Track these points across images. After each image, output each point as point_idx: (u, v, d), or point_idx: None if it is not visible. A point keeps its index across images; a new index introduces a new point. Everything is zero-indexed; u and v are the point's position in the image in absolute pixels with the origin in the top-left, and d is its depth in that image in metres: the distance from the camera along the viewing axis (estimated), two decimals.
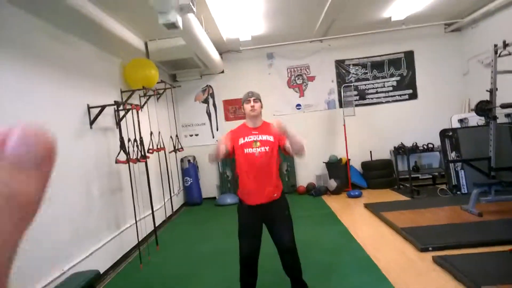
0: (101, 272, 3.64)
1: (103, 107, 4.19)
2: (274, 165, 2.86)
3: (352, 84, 7.66)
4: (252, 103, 2.87)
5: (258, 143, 2.82)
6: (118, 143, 4.27)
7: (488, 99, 5.12)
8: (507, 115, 6.19)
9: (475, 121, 6.61)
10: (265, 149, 2.81)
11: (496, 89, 5.02)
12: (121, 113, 4.50)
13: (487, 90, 5.15)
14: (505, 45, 4.82)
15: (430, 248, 3.77)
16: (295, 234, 2.90)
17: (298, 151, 2.72)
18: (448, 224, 4.52)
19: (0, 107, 2.75)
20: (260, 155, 2.80)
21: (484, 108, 5.23)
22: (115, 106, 4.37)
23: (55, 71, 3.57)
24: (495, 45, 5.01)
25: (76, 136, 3.84)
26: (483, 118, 6.02)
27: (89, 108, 4.13)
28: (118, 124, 4.40)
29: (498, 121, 5.22)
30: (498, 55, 5.00)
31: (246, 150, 2.82)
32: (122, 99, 4.88)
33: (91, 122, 4.14)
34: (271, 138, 2.84)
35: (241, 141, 2.85)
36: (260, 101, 2.94)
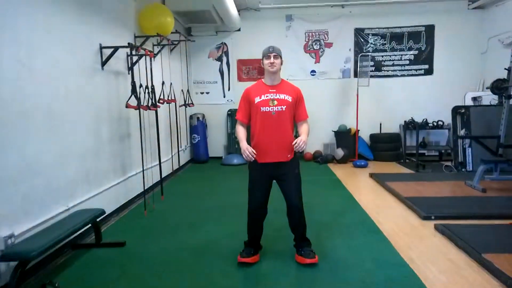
0: (106, 214, 3.69)
1: (116, 48, 4.10)
2: (289, 125, 2.84)
3: (369, 54, 7.50)
4: (272, 59, 2.79)
5: (275, 102, 2.79)
6: (129, 88, 4.22)
7: (505, 77, 5.03)
8: None
9: (488, 100, 6.53)
10: (282, 108, 2.78)
11: None
12: (134, 58, 4.44)
13: (505, 68, 5.06)
14: None
15: (433, 217, 3.82)
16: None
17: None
18: (452, 197, 4.56)
19: (16, 40, 2.71)
20: (276, 114, 2.78)
21: (500, 87, 5.16)
22: (129, 49, 4.29)
23: (68, 7, 3.45)
24: None
25: (87, 76, 3.77)
26: (496, 97, 5.94)
27: (101, 48, 4.04)
28: (130, 68, 4.33)
29: None
30: None
31: (262, 109, 2.79)
32: (135, 44, 4.79)
33: (103, 63, 4.07)
34: (289, 98, 2.81)
35: (257, 99, 2.81)
36: (281, 57, 2.85)
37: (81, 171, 3.62)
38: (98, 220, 3.40)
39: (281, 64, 2.87)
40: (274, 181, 2.94)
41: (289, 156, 2.84)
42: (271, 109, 2.78)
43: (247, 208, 2.96)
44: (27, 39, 2.84)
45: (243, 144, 2.80)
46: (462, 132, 6.13)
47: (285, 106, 2.79)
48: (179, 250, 3.27)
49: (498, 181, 5.01)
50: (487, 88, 5.81)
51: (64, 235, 2.75)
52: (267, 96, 2.80)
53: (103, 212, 3.46)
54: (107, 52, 4.10)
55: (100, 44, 4.04)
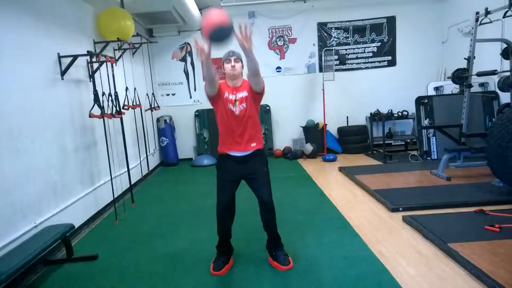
0: (76, 227, 3.62)
1: (75, 57, 3.97)
2: (254, 118, 2.85)
3: (333, 48, 7.60)
4: (233, 62, 2.78)
5: (237, 102, 2.80)
6: (92, 96, 4.09)
7: (465, 67, 5.21)
8: (481, 85, 6.36)
9: (450, 89, 6.77)
10: (243, 106, 2.80)
11: (474, 57, 5.10)
12: (95, 65, 4.30)
13: (465, 58, 5.24)
14: (487, 12, 4.85)
15: (401, 209, 3.92)
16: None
17: (252, 68, 2.64)
18: (418, 187, 4.69)
19: None
20: (240, 113, 2.79)
21: (461, 76, 5.33)
22: (88, 57, 4.17)
23: (22, 16, 3.32)
24: (477, 13, 5.04)
25: (47, 87, 3.65)
26: (458, 86, 6.16)
27: (59, 57, 3.90)
28: (91, 76, 4.18)
29: (472, 90, 5.35)
30: (479, 23, 5.04)
31: (228, 105, 2.80)
32: (95, 50, 4.66)
33: (63, 73, 3.93)
34: (245, 93, 2.82)
35: (226, 94, 2.81)
36: (241, 61, 2.83)
37: (47, 186, 3.50)
38: (68, 234, 3.30)
39: (242, 67, 2.84)
40: (243, 181, 2.94)
41: (254, 145, 2.84)
42: (235, 108, 2.79)
43: (216, 209, 2.94)
44: None
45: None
46: (426, 122, 6.32)
47: (245, 103, 2.80)
48: (153, 259, 3.22)
49: (463, 168, 5.20)
50: (448, 77, 6.01)
51: (34, 254, 2.68)
52: (231, 97, 2.81)
53: (72, 227, 3.39)
54: (66, 61, 3.96)
55: (58, 54, 3.89)
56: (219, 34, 2.39)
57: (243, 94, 2.82)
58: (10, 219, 2.92)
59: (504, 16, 4.71)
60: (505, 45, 5.05)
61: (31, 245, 2.81)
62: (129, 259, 3.28)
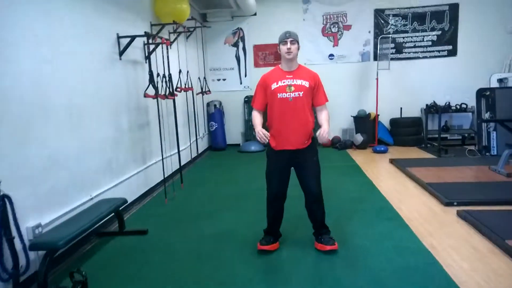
0: (128, 202, 3.76)
1: (133, 38, 4.09)
2: (307, 111, 2.80)
3: (390, 36, 7.29)
4: (289, 44, 2.73)
5: (293, 88, 2.75)
6: (147, 77, 4.23)
7: None
8: None
9: None
10: (299, 94, 2.74)
11: None
12: (151, 47, 4.44)
13: None
14: None
15: (455, 203, 3.75)
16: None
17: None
18: (475, 182, 4.46)
19: (32, 32, 2.72)
20: (294, 100, 2.74)
21: None
22: (145, 38, 4.29)
23: None
24: None
25: (105, 67, 3.80)
26: None
27: (118, 37, 4.04)
28: (147, 57, 4.35)
29: None
30: None
31: (279, 95, 2.75)
32: (152, 32, 4.76)
33: (121, 53, 4.07)
34: (306, 84, 2.77)
35: (274, 86, 2.78)
36: (298, 42, 2.79)
37: (103, 162, 3.68)
38: (120, 209, 3.47)
39: (298, 49, 2.81)
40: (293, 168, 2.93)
41: (306, 142, 2.82)
42: (288, 95, 2.74)
43: (266, 196, 2.96)
44: (46, 34, 2.86)
45: (258, 128, 2.79)
46: (486, 115, 5.94)
47: (302, 92, 2.75)
48: (200, 238, 3.32)
49: None
50: None
51: (89, 224, 2.81)
52: (284, 82, 2.76)
53: (125, 201, 3.54)
54: (125, 41, 4.10)
55: (117, 34, 4.03)
56: None
57: (303, 82, 2.76)
58: (69, 190, 3.07)
59: None
60: None
61: (87, 216, 2.94)
62: (177, 235, 3.40)
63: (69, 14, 3.20)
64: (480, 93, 6.10)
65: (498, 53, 7.19)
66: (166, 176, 4.66)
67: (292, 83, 2.76)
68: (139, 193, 4.49)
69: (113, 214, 3.38)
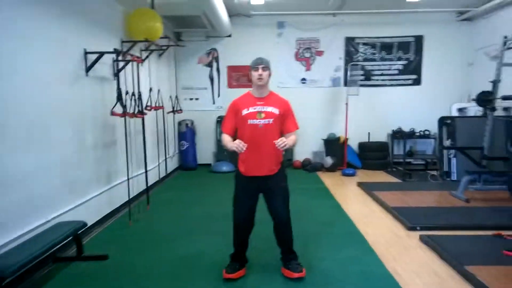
0: (88, 225, 3.58)
1: (101, 54, 3.97)
2: (277, 137, 2.72)
3: (359, 63, 7.59)
4: (260, 71, 2.74)
5: (263, 114, 2.75)
6: (115, 94, 4.08)
7: (491, 90, 5.13)
8: (505, 109, 6.22)
9: (473, 111, 6.65)
10: (269, 121, 2.75)
11: (499, 81, 5.04)
12: (120, 64, 4.34)
13: (490, 81, 5.17)
14: None
15: (418, 228, 3.86)
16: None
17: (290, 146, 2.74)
18: (437, 207, 4.63)
19: None
20: (264, 127, 2.74)
21: (485, 99, 5.27)
22: (115, 55, 4.18)
23: (52, 9, 3.35)
24: (505, 37, 5.00)
25: (70, 82, 3.66)
26: (482, 109, 6.05)
27: (86, 53, 3.91)
28: (116, 74, 4.23)
29: (496, 113, 5.27)
30: (506, 47, 4.98)
31: (250, 121, 2.75)
32: (122, 49, 4.65)
33: (88, 69, 3.95)
34: (276, 111, 2.78)
35: (245, 111, 2.77)
36: (269, 69, 2.81)
37: (62, 182, 3.49)
38: (80, 232, 3.27)
39: (270, 76, 2.83)
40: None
41: (275, 168, 2.82)
42: (258, 122, 2.74)
43: (233, 221, 2.93)
44: (2, 48, 2.73)
45: (231, 143, 2.68)
46: (447, 143, 6.21)
47: (272, 119, 2.75)
48: (164, 263, 3.22)
49: (482, 191, 5.07)
50: (472, 99, 5.93)
51: (42, 250, 2.62)
52: (255, 109, 2.77)
53: (84, 224, 3.32)
54: (92, 57, 3.97)
55: (85, 49, 3.92)
56: None
57: (273, 110, 2.77)
58: (22, 212, 2.89)
59: None
60: None
61: (41, 241, 2.76)
62: (139, 261, 3.27)
63: (31, 27, 3.07)
64: (442, 121, 6.40)
65: (459, 84, 7.62)
66: (131, 196, 4.51)
67: (262, 110, 2.76)
68: (102, 214, 4.30)
69: (70, 238, 3.16)
